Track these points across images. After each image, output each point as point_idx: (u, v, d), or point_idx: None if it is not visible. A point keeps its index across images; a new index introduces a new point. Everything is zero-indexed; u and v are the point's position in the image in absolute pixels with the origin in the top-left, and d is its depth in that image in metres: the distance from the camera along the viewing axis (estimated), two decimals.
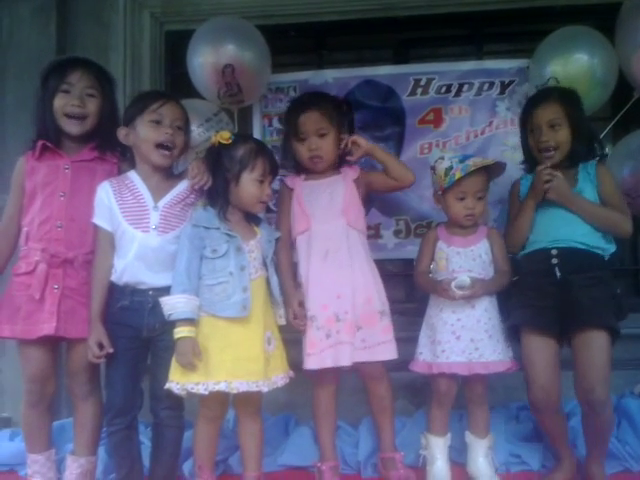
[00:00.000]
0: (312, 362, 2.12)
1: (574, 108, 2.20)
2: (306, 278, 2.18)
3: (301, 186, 2.28)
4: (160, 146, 2.00)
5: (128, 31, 3.20)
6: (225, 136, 2.00)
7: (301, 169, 2.32)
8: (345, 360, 2.11)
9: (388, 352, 2.15)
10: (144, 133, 2.00)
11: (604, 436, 2.09)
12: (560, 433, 2.16)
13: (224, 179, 1.99)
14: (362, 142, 2.24)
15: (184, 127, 2.07)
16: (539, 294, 2.10)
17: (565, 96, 2.22)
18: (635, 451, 2.30)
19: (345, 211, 2.21)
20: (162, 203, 2.02)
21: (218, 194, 2.00)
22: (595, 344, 2.00)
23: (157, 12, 3.26)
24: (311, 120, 2.23)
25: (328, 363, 2.12)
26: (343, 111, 2.31)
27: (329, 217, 2.21)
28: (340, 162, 2.31)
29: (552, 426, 2.14)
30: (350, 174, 2.29)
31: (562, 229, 2.11)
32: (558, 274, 2.08)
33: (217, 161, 2.01)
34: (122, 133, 2.04)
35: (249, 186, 1.99)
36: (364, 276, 2.19)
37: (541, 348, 2.06)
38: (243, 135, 2.22)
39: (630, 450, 2.30)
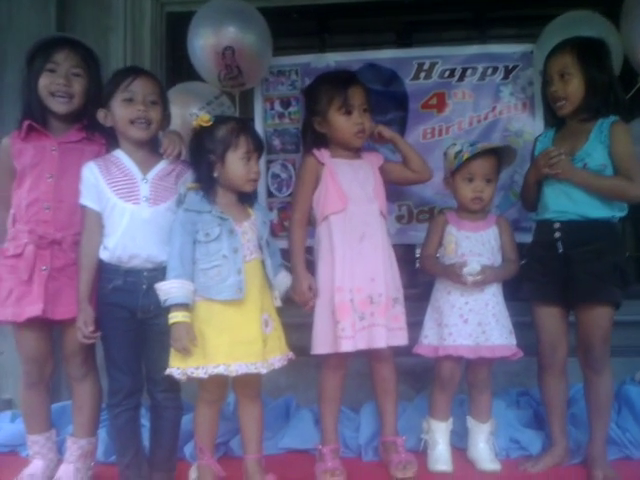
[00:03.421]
0: (349, 344, 2.08)
1: (590, 59, 2.11)
2: (342, 259, 2.14)
3: (332, 163, 2.23)
4: (134, 122, 1.98)
5: (128, 13, 3.15)
6: (205, 119, 1.99)
7: (325, 145, 2.25)
8: (380, 342, 2.10)
9: (398, 338, 2.16)
10: (118, 112, 1.98)
11: (605, 408, 2.12)
12: (558, 403, 2.18)
13: (208, 162, 1.97)
14: (387, 133, 2.29)
15: (159, 100, 2.03)
16: (543, 268, 2.15)
17: (581, 46, 2.14)
18: (635, 438, 2.30)
19: (377, 196, 2.22)
20: (151, 175, 2.00)
21: (204, 178, 1.98)
22: (597, 315, 2.07)
23: None
24: (359, 94, 2.22)
25: (361, 345, 2.10)
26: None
27: (364, 200, 2.19)
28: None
29: (553, 391, 2.18)
30: (375, 161, 2.29)
31: (563, 201, 2.12)
32: (560, 249, 2.11)
33: (200, 144, 1.99)
34: (101, 115, 2.01)
35: (235, 165, 1.96)
36: (386, 262, 2.18)
37: (548, 314, 2.16)
38: (223, 116, 2.21)
39: (630, 437, 2.30)
